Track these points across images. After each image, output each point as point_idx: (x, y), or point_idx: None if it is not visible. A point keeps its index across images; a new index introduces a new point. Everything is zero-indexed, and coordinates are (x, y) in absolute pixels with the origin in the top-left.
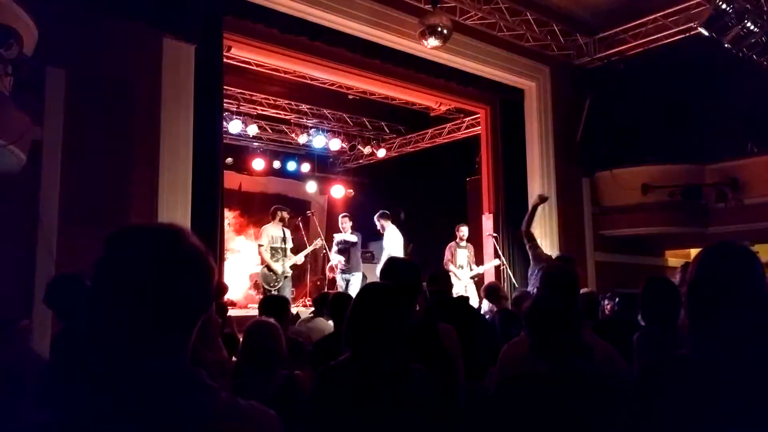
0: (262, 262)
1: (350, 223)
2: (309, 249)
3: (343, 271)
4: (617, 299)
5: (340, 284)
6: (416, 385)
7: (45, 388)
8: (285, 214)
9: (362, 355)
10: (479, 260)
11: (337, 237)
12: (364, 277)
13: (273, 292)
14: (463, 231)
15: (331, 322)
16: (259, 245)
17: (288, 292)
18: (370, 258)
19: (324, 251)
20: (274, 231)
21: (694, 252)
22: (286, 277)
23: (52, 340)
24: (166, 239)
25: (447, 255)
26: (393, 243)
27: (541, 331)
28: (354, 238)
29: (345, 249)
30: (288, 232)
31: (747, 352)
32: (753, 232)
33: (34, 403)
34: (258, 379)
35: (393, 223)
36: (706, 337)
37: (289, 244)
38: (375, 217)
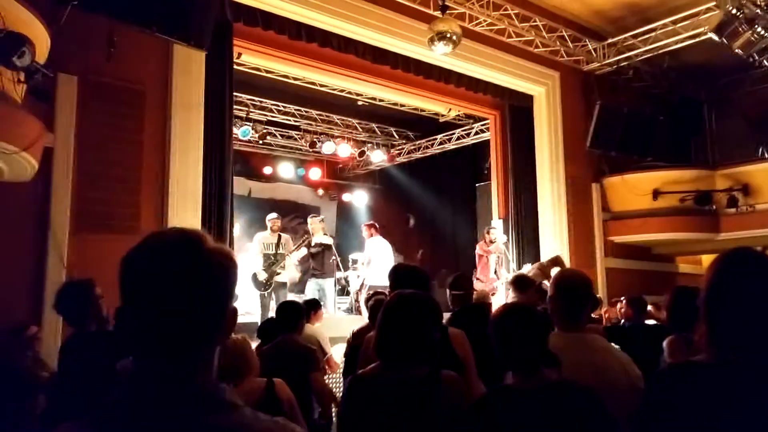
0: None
1: (323, 225)
2: (293, 248)
3: (315, 276)
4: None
5: (312, 289)
6: (448, 392)
7: (55, 396)
8: (271, 223)
9: (396, 364)
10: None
11: (314, 240)
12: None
13: (266, 297)
14: (493, 234)
15: (315, 327)
16: (254, 253)
17: (281, 298)
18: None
19: (334, 258)
20: (266, 239)
21: (705, 258)
22: (272, 284)
23: (61, 347)
24: (187, 246)
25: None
26: (380, 253)
27: (506, 342)
28: (330, 241)
29: (319, 252)
30: (285, 238)
31: (765, 358)
32: (764, 237)
33: (44, 410)
34: (238, 391)
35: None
36: (724, 342)
37: (286, 250)
38: (364, 225)
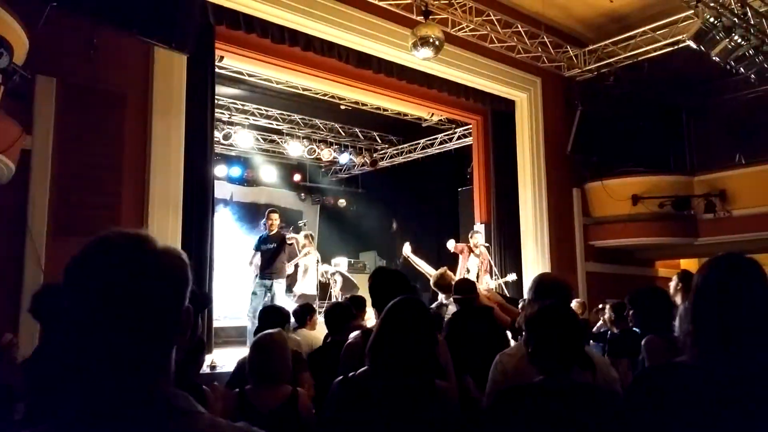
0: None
1: (279, 221)
2: (297, 259)
3: (262, 276)
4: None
5: (257, 292)
6: (441, 403)
7: (26, 406)
8: (271, 222)
9: (388, 371)
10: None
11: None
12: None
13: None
14: (477, 238)
15: (314, 333)
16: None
17: (279, 302)
18: (362, 268)
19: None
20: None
21: (684, 262)
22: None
23: (28, 358)
24: (131, 248)
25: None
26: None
27: (545, 340)
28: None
29: (270, 250)
30: (284, 239)
31: (752, 362)
32: (741, 242)
33: (21, 420)
34: (263, 393)
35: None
36: (712, 345)
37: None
38: (304, 234)
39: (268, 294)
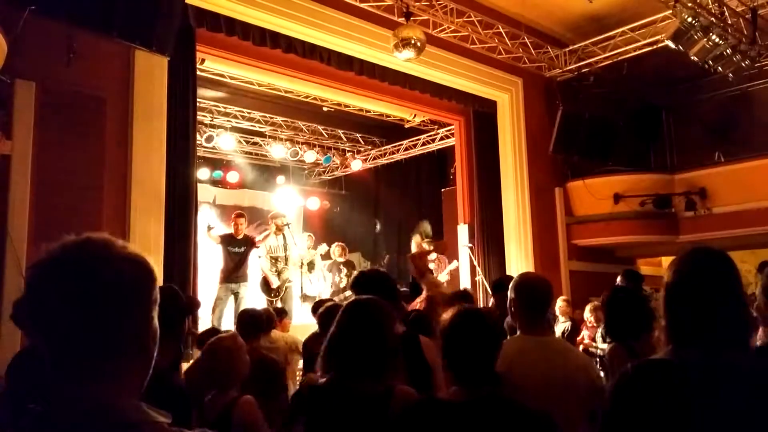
0: (262, 273)
1: (246, 224)
2: (307, 260)
3: (229, 280)
4: None
5: (221, 297)
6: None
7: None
8: (279, 222)
9: (345, 377)
10: (454, 271)
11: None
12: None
13: (275, 303)
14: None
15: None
16: (258, 256)
17: (292, 303)
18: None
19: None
20: (271, 240)
21: (666, 260)
22: (287, 287)
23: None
24: (86, 260)
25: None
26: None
27: (455, 351)
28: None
29: (238, 254)
30: (291, 239)
31: (725, 354)
32: (722, 240)
33: None
34: (206, 401)
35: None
36: (685, 339)
37: (293, 252)
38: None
39: (235, 300)
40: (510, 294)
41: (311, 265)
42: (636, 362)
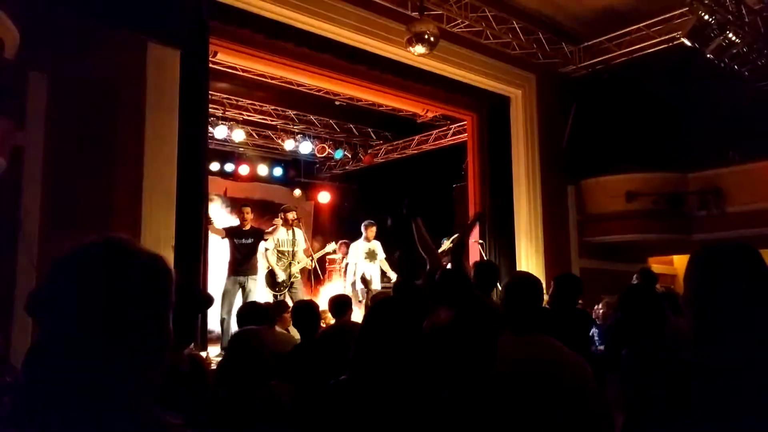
0: (268, 266)
1: (252, 215)
2: (321, 252)
3: (236, 272)
4: None
5: (229, 289)
6: (425, 413)
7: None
8: (290, 216)
9: (366, 378)
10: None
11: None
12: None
13: (280, 298)
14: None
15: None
16: (265, 249)
17: (300, 297)
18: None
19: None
20: (280, 234)
21: (677, 259)
22: (293, 282)
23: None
24: (105, 258)
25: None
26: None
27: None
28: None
29: (246, 245)
30: (300, 234)
31: (754, 353)
32: (735, 239)
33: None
34: (241, 393)
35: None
36: (713, 339)
37: (301, 246)
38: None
39: (243, 292)
40: (501, 293)
41: (372, 255)
42: (659, 363)
